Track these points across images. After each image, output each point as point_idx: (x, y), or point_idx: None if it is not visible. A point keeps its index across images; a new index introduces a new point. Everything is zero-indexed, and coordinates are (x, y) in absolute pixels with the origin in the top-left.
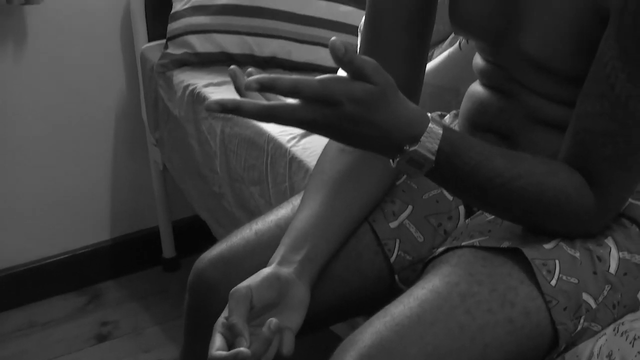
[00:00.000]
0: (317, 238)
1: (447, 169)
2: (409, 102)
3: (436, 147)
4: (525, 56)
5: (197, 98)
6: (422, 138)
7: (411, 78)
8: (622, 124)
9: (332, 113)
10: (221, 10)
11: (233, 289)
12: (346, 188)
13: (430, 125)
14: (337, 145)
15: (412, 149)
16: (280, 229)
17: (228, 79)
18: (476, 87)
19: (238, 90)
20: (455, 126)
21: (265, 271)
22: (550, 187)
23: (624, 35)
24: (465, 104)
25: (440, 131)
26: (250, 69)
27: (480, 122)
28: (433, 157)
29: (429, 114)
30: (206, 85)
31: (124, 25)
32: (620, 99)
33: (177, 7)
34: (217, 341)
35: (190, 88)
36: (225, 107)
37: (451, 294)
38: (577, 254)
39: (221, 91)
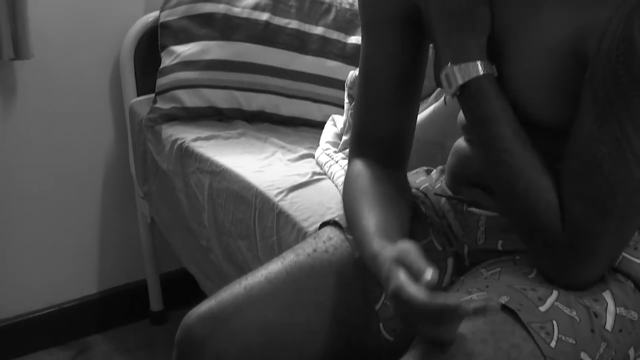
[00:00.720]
0: (399, 237)
1: (466, 103)
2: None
3: (467, 78)
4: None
5: (185, 152)
6: (462, 65)
7: (404, 128)
8: (586, 165)
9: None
10: (209, 65)
11: (408, 246)
12: (394, 205)
13: (478, 62)
14: (367, 176)
15: (450, 65)
16: (270, 283)
17: (216, 132)
18: (461, 143)
19: None
20: (442, 182)
21: (404, 243)
22: (527, 181)
23: (595, 79)
24: (450, 160)
25: (481, 72)
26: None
27: (465, 177)
28: (458, 83)
29: (479, 61)
30: (194, 140)
31: (113, 80)
32: (585, 140)
33: (165, 62)
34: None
35: (179, 142)
36: None
37: (456, 354)
38: (574, 313)
39: (209, 145)
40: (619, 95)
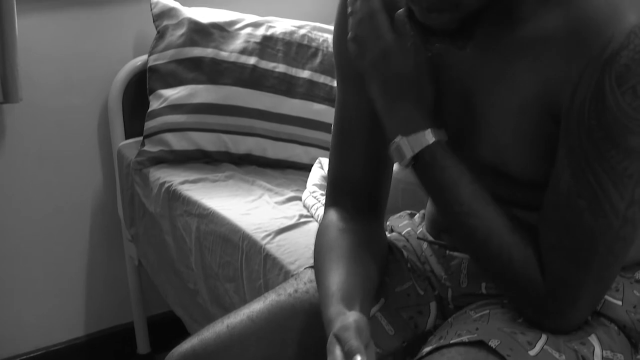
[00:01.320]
0: (360, 298)
1: (422, 173)
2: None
3: (418, 149)
4: (482, 163)
5: (172, 195)
6: (412, 136)
7: (379, 175)
8: (564, 218)
9: None
10: (197, 109)
11: (351, 320)
12: (360, 261)
13: (426, 130)
14: (335, 228)
15: (399, 137)
16: (253, 322)
17: (203, 175)
18: None
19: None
20: (424, 226)
21: (353, 315)
22: (498, 240)
23: (569, 134)
24: (429, 206)
25: (431, 141)
26: None
27: (445, 224)
28: (409, 156)
29: (429, 129)
30: (182, 183)
31: (102, 123)
32: (563, 195)
33: (154, 105)
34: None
35: (167, 185)
36: None
37: None
38: (563, 357)
39: (197, 188)
40: (593, 150)
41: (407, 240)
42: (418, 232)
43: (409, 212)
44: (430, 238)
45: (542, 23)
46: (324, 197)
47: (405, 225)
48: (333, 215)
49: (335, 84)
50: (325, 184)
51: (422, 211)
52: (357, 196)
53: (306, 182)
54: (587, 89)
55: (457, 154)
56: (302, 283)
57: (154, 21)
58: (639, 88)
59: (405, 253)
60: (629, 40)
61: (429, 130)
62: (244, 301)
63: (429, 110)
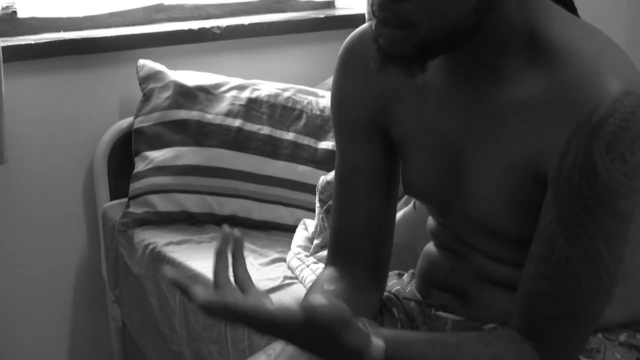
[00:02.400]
0: None
1: None
2: (352, 334)
3: None
4: (470, 220)
5: (157, 257)
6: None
7: (381, 236)
8: (563, 285)
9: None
10: (182, 170)
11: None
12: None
13: (370, 347)
14: (318, 289)
15: None
16: None
17: (188, 237)
18: (430, 248)
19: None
20: (413, 285)
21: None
22: None
23: (560, 200)
24: (420, 264)
25: (382, 348)
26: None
27: (435, 281)
28: None
29: (372, 337)
30: (167, 244)
31: (87, 184)
32: (560, 261)
33: (139, 167)
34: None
35: (151, 247)
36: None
37: None
38: None
39: (181, 250)
40: (587, 216)
41: (397, 298)
42: (407, 290)
43: (397, 272)
44: (419, 297)
45: (527, 85)
46: (308, 258)
47: (394, 285)
48: (324, 274)
49: (319, 145)
50: (310, 245)
51: (410, 271)
52: (357, 256)
53: (290, 243)
54: (576, 157)
55: (447, 213)
56: None
57: (140, 84)
58: (627, 154)
59: (395, 311)
60: (614, 109)
61: (372, 347)
62: None
63: (359, 330)
